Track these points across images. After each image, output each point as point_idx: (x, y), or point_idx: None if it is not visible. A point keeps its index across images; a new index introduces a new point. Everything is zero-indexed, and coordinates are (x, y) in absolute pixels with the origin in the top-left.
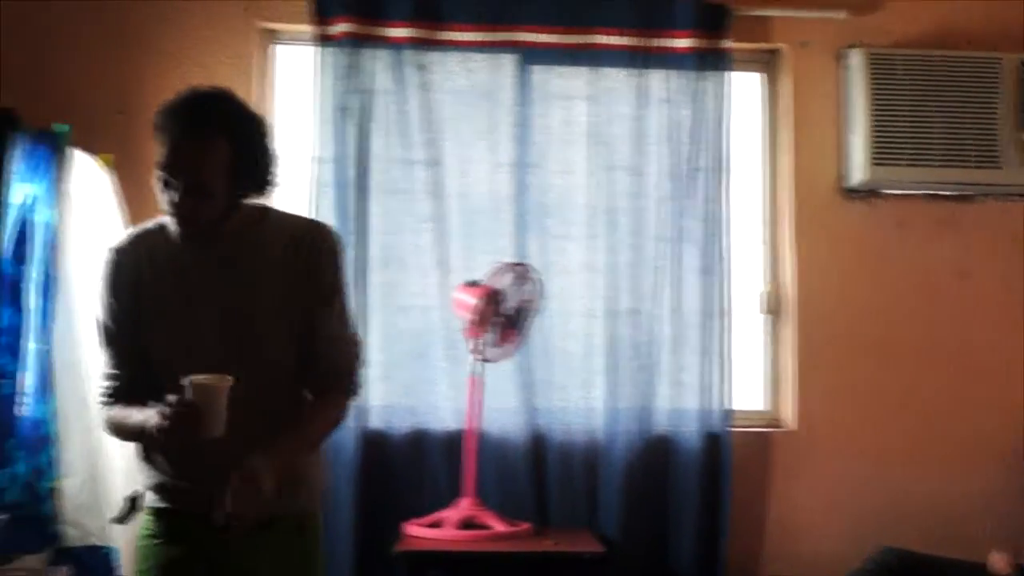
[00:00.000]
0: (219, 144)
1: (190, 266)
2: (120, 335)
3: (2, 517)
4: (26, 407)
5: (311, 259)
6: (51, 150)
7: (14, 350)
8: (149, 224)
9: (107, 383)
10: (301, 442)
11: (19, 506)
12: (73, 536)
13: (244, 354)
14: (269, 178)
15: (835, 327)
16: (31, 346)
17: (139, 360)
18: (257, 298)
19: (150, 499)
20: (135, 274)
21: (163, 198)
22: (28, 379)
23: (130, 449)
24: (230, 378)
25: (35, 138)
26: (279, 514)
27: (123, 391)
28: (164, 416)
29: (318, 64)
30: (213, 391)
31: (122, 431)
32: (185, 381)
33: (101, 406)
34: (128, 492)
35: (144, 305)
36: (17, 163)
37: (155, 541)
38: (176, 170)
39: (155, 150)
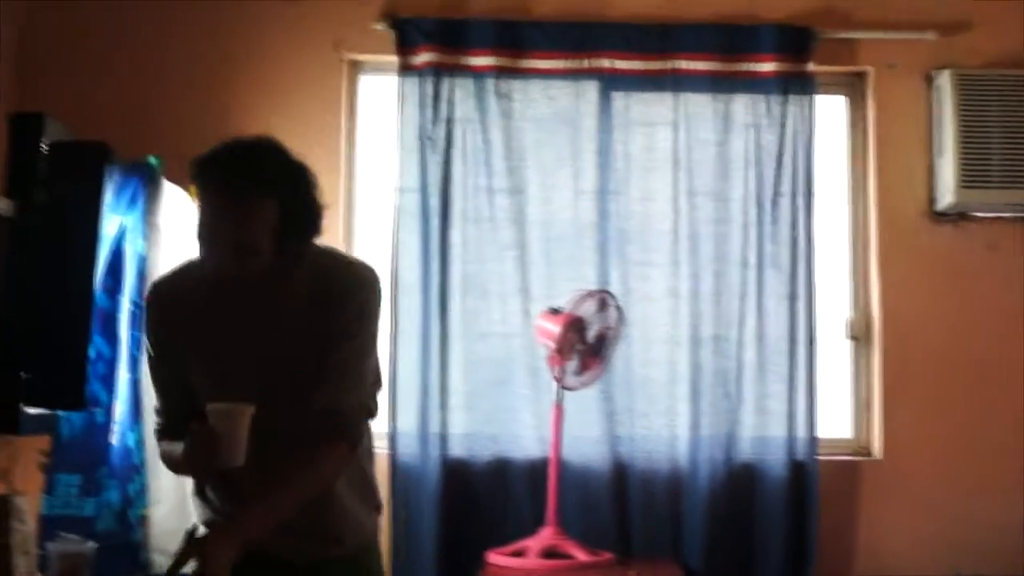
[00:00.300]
0: (266, 204)
1: (227, 305)
2: (163, 373)
3: (94, 545)
4: (117, 435)
5: (337, 297)
6: (143, 182)
7: (108, 380)
8: (191, 260)
9: (157, 419)
10: (280, 503)
11: (111, 534)
12: (161, 563)
13: (279, 393)
14: (314, 230)
15: (923, 353)
16: (123, 375)
17: (183, 397)
18: (289, 338)
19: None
20: (175, 312)
21: (202, 252)
22: (120, 408)
23: None
24: (251, 407)
25: (127, 170)
26: (327, 559)
27: (171, 428)
28: (186, 441)
29: (401, 94)
30: (232, 417)
31: (171, 464)
32: (207, 408)
33: (158, 441)
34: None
35: (184, 343)
36: (110, 194)
37: None
38: (218, 233)
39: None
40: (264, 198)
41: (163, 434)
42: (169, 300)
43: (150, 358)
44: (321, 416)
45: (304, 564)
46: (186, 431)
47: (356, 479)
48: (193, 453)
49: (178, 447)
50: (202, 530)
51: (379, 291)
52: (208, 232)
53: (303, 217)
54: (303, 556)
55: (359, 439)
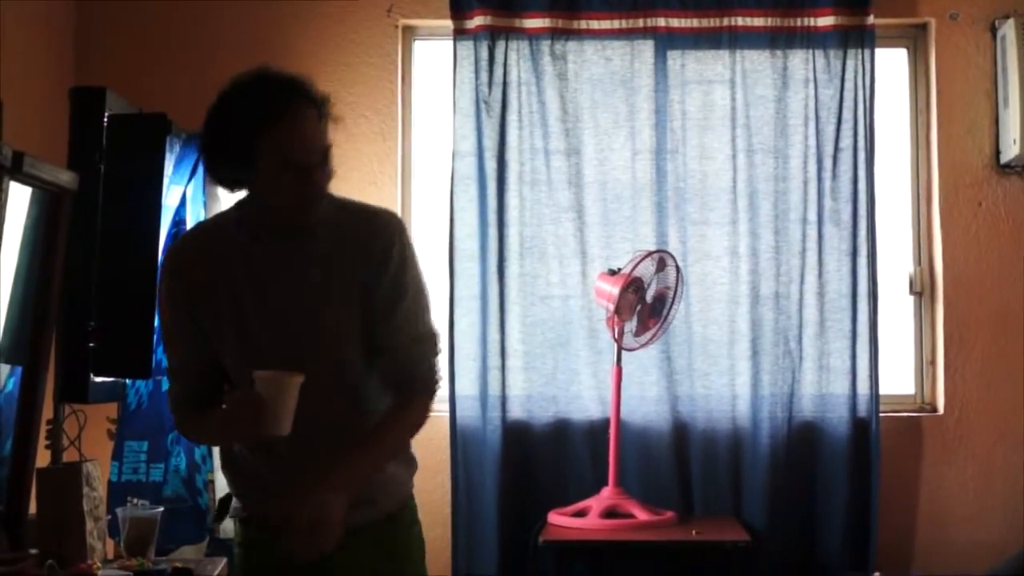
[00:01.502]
0: (318, 112)
1: (260, 263)
2: (185, 340)
3: (161, 509)
4: None
5: (384, 251)
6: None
7: None
8: (207, 222)
9: (174, 386)
10: (378, 456)
11: (178, 499)
12: (227, 528)
13: (319, 353)
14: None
15: (986, 307)
16: None
17: (204, 365)
18: (331, 293)
19: (236, 507)
20: (198, 275)
21: (288, 192)
22: None
23: None
24: (300, 375)
25: (186, 141)
26: (360, 524)
27: (191, 396)
28: (229, 407)
29: (456, 58)
30: (281, 385)
31: (196, 431)
32: (254, 375)
33: (173, 410)
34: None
35: (211, 306)
36: (170, 165)
37: (243, 550)
38: (309, 146)
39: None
40: (314, 106)
41: (181, 402)
42: (191, 264)
43: (171, 324)
44: (400, 375)
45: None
46: (208, 399)
47: None
48: (237, 420)
49: (205, 415)
50: (235, 503)
51: (408, 233)
52: (301, 156)
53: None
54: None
55: (438, 384)
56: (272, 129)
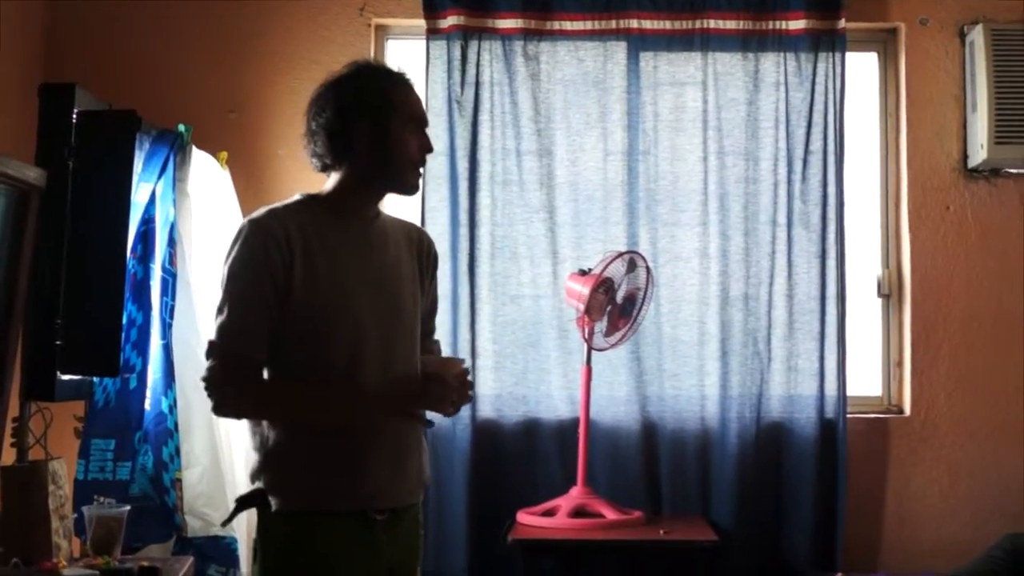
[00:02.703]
0: None
1: (353, 238)
2: (261, 301)
3: (128, 508)
4: (151, 401)
5: (431, 265)
6: (171, 149)
7: (141, 346)
8: (285, 202)
9: (234, 356)
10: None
11: (145, 498)
12: (195, 526)
13: (404, 325)
14: None
15: (954, 310)
16: (155, 341)
17: (265, 332)
18: (403, 283)
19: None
20: (297, 242)
21: (413, 145)
22: (152, 373)
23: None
24: (464, 360)
25: (157, 138)
26: (409, 504)
27: (253, 369)
28: (400, 384)
29: (429, 57)
30: (450, 369)
31: (290, 405)
32: (423, 359)
33: (241, 387)
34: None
35: (309, 270)
36: (140, 162)
37: (283, 550)
38: (423, 109)
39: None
40: None
41: (241, 375)
42: (288, 230)
43: (253, 285)
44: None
45: (392, 511)
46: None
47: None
48: (428, 396)
49: (305, 387)
50: (277, 502)
51: None
52: (419, 118)
53: None
54: (409, 497)
55: None
56: (403, 90)
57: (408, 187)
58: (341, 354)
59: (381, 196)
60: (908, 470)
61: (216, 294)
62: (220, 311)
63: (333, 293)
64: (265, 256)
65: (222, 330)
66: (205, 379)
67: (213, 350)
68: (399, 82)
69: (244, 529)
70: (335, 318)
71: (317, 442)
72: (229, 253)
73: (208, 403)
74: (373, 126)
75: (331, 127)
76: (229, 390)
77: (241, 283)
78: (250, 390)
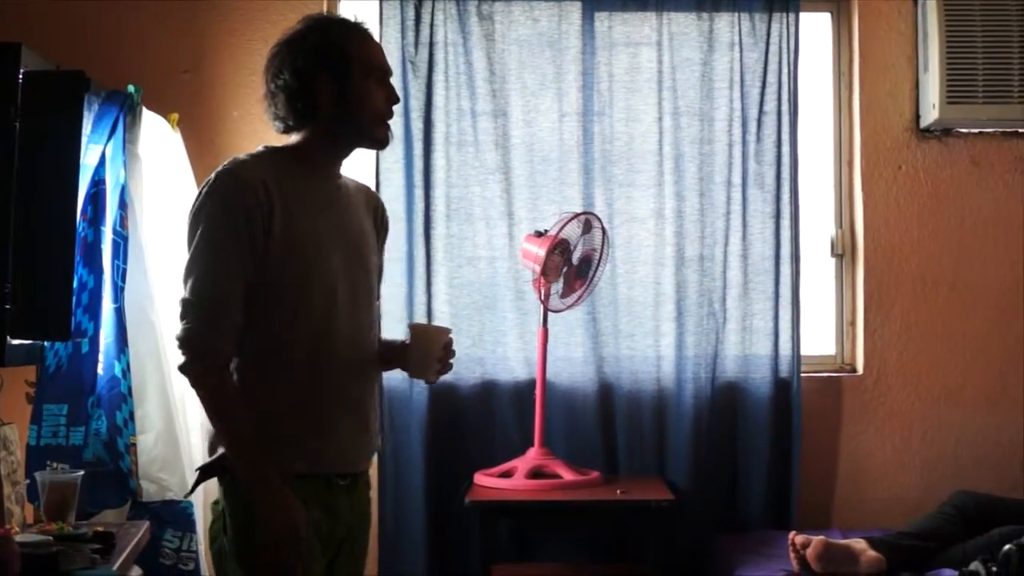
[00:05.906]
0: None
1: (323, 195)
2: (240, 258)
3: (81, 473)
4: (103, 365)
5: (384, 229)
6: (121, 110)
7: (92, 310)
8: (251, 153)
9: (224, 331)
10: None
11: (99, 463)
12: (150, 491)
13: (369, 282)
14: None
15: (906, 269)
16: (107, 305)
17: (241, 290)
18: (367, 240)
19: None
20: (267, 194)
21: (378, 96)
22: (105, 337)
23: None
24: (448, 329)
25: (106, 99)
26: (364, 470)
27: (233, 343)
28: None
29: (382, 17)
30: (431, 336)
31: (226, 413)
32: (409, 325)
33: (221, 366)
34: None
35: (284, 224)
36: (89, 124)
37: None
38: (385, 59)
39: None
40: None
41: (229, 350)
42: (264, 184)
43: (230, 241)
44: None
45: (352, 476)
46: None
47: None
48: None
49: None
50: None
51: None
52: (384, 69)
53: None
54: (366, 462)
55: None
56: (362, 40)
57: (377, 140)
58: (317, 306)
59: (349, 152)
60: (861, 428)
61: (175, 253)
62: (193, 268)
63: (312, 244)
64: (243, 205)
65: (197, 289)
66: (180, 339)
67: (189, 310)
68: (356, 32)
69: (200, 493)
70: (312, 269)
71: (280, 406)
72: (199, 206)
73: (162, 368)
74: (333, 82)
75: (290, 87)
76: (205, 355)
77: (216, 237)
78: (216, 375)
